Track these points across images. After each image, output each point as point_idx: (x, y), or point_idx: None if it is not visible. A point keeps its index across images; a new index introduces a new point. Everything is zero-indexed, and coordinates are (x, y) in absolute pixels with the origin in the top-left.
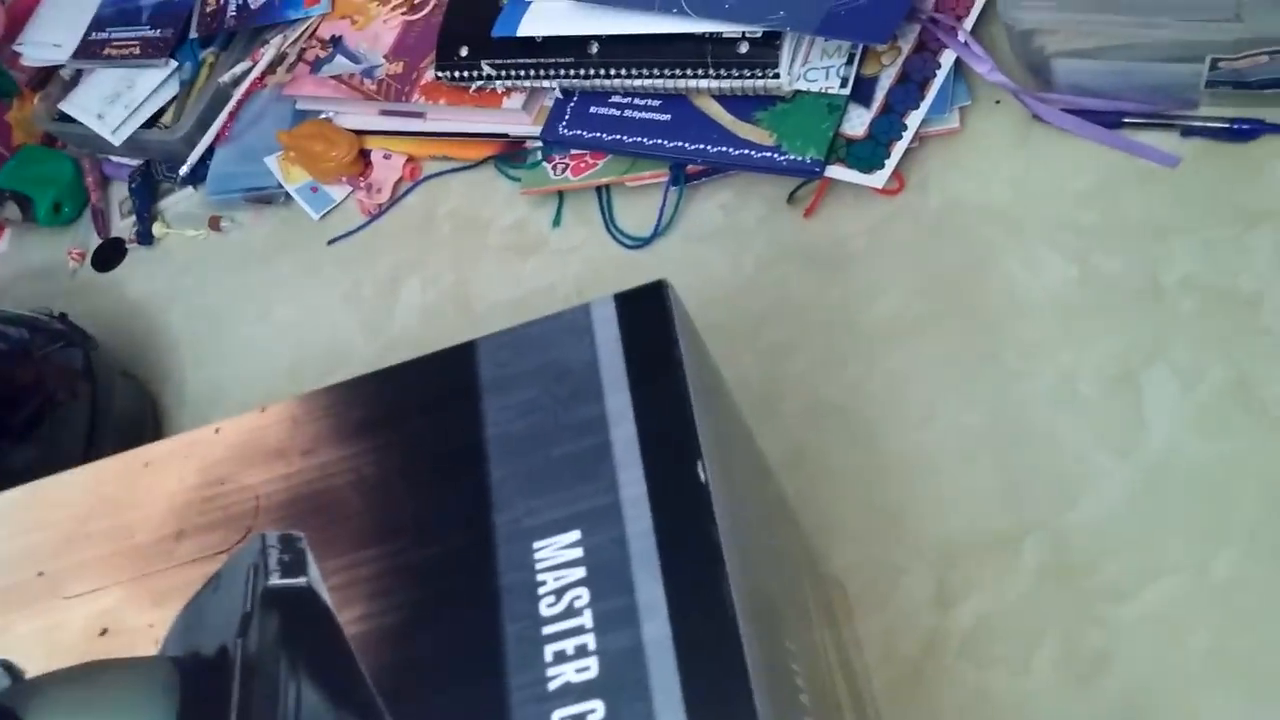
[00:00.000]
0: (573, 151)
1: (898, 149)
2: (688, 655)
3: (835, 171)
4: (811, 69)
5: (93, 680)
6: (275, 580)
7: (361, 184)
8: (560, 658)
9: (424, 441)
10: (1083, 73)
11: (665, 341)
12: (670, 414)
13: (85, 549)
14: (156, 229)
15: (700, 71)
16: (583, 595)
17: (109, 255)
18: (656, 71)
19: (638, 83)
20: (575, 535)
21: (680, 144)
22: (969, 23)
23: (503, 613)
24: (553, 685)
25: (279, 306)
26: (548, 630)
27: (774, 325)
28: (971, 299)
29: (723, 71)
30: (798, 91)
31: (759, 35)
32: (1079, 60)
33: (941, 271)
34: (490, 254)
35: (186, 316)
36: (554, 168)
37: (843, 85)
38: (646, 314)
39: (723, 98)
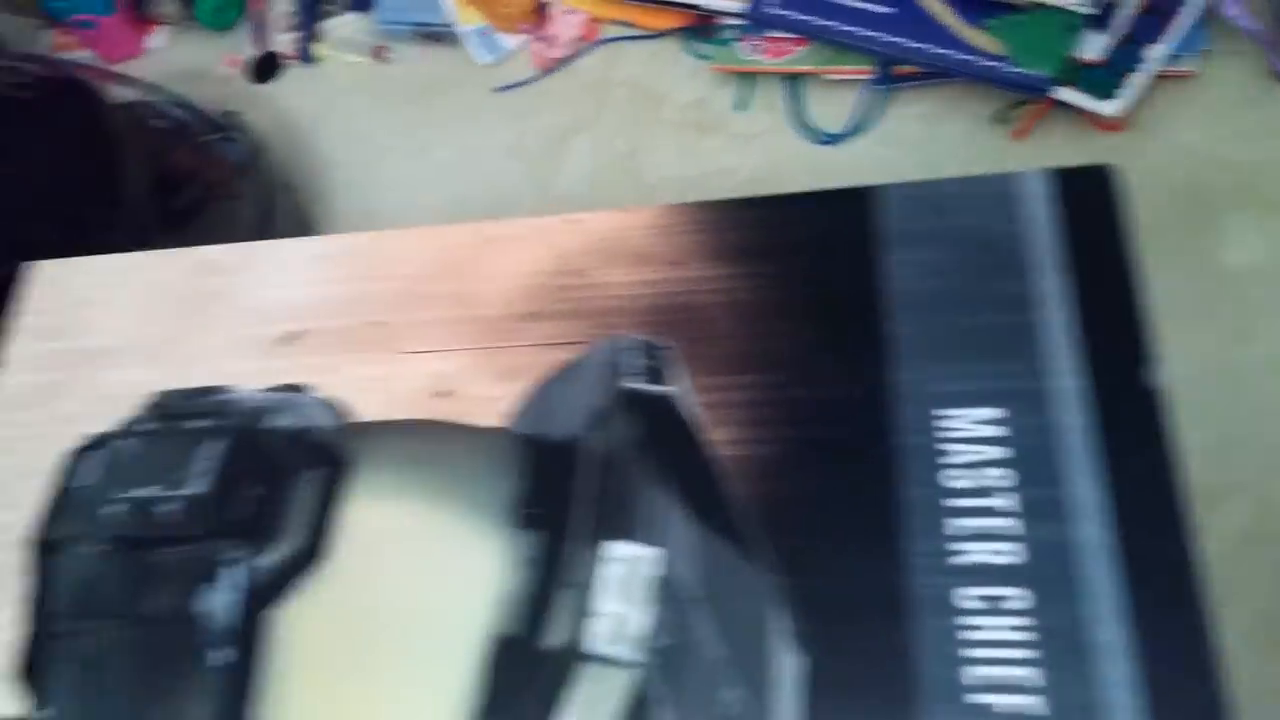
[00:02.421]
0: (771, 34)
1: (1134, 80)
2: (1131, 564)
3: (1064, 93)
4: None
5: (432, 437)
6: (636, 383)
7: (539, 35)
8: (967, 534)
9: (812, 279)
10: None
11: (1112, 231)
12: (1117, 310)
13: (426, 309)
14: (317, 50)
15: None
16: (999, 476)
17: (265, 68)
18: None
19: None
20: (995, 413)
21: (899, 40)
22: None
23: (897, 473)
24: (957, 560)
25: (438, 146)
26: (952, 503)
27: None
28: (1189, 251)
29: None
30: (1037, 4)
31: None
32: None
33: (1159, 217)
34: (666, 128)
35: (342, 141)
36: (748, 48)
37: (1089, 4)
38: (1088, 198)
39: None
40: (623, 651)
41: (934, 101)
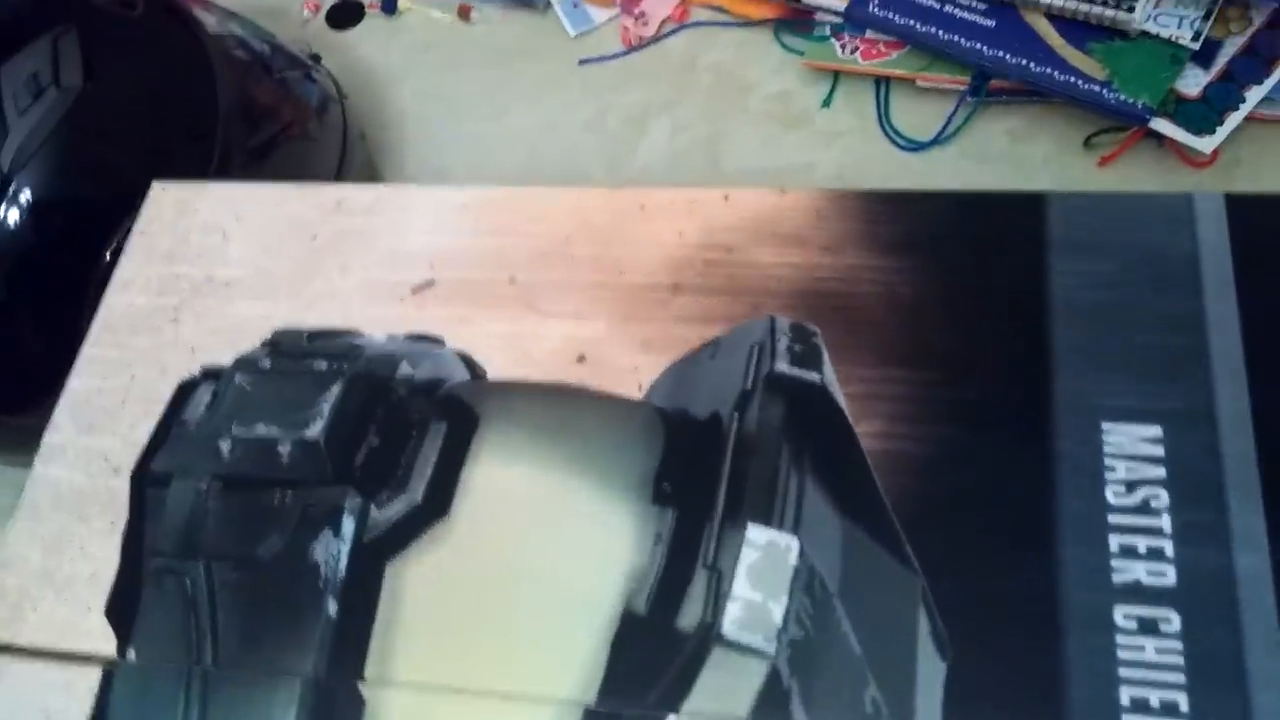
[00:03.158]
0: (867, 34)
1: (1232, 119)
2: None
3: (1162, 125)
4: (1164, 13)
5: (567, 402)
6: (784, 368)
7: (633, 11)
8: (1129, 552)
9: (974, 279)
10: None
11: None
12: None
13: (565, 270)
14: (401, 1)
15: None
16: (1160, 496)
17: (345, 14)
18: None
19: None
20: (1155, 431)
21: (1001, 55)
22: None
23: (1060, 484)
24: (1118, 578)
25: (516, 113)
26: (1115, 520)
27: None
28: None
29: None
30: (1144, 33)
31: None
32: None
33: None
34: (749, 118)
35: (418, 96)
36: (842, 46)
37: (1194, 39)
38: (1266, 225)
39: (1058, 18)
40: (756, 639)
41: (1021, 119)
